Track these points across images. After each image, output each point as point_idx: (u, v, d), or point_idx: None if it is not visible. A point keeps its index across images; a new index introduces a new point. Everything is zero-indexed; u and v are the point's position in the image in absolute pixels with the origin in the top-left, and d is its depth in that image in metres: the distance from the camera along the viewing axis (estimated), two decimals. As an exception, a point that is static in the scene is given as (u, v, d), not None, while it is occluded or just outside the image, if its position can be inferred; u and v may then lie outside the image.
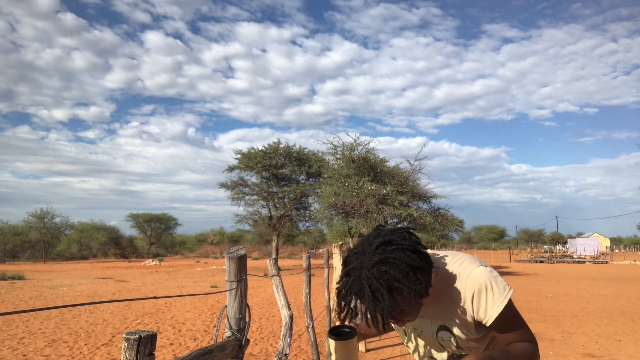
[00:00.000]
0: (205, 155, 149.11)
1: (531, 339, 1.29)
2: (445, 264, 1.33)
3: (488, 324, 1.26)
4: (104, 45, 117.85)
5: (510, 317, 1.26)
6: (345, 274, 1.24)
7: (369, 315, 1.17)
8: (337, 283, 1.28)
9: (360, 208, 19.18)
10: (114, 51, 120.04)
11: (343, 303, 1.25)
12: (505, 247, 69.69)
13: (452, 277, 1.29)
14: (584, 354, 6.22)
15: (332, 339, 1.31)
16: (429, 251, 1.33)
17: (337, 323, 1.38)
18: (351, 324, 1.38)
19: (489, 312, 1.24)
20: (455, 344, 1.35)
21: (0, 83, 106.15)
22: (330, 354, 1.37)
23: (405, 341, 1.55)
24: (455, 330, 1.32)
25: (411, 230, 1.28)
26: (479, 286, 1.24)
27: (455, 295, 1.28)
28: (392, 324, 1.46)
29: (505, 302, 1.24)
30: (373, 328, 1.33)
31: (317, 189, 25.54)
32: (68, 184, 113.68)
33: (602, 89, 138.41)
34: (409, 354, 1.59)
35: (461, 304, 1.28)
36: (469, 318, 1.29)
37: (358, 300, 1.23)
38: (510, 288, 1.28)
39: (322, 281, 6.34)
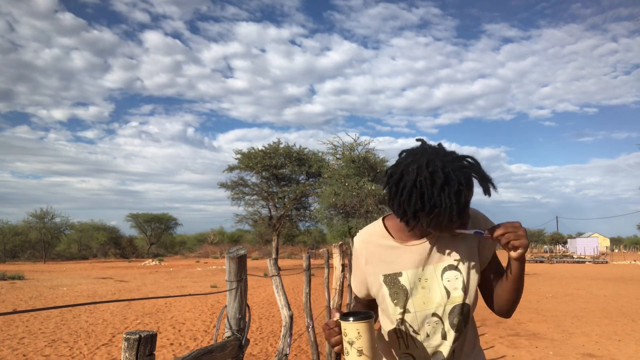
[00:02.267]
0: (205, 155, 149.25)
1: None
2: None
3: (487, 227, 1.28)
4: (102, 45, 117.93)
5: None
6: (419, 166, 1.16)
7: (453, 205, 1.14)
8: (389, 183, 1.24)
9: (361, 208, 19.17)
10: (113, 51, 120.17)
11: (423, 197, 1.15)
12: (505, 247, 69.55)
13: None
14: (584, 354, 6.22)
15: (357, 322, 1.13)
16: None
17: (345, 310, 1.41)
18: (359, 310, 1.30)
19: (489, 223, 1.38)
20: (462, 283, 1.32)
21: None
22: (350, 342, 1.13)
23: (394, 302, 1.35)
24: (462, 265, 1.33)
25: None
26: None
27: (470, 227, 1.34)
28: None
29: None
30: (447, 226, 1.23)
31: (317, 189, 25.53)
32: (68, 184, 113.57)
33: (602, 89, 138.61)
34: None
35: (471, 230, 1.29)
36: (475, 243, 1.36)
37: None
38: None
39: (322, 281, 6.33)
